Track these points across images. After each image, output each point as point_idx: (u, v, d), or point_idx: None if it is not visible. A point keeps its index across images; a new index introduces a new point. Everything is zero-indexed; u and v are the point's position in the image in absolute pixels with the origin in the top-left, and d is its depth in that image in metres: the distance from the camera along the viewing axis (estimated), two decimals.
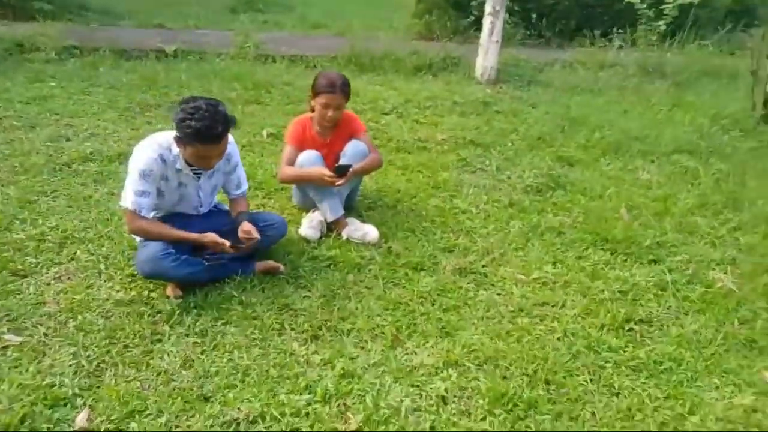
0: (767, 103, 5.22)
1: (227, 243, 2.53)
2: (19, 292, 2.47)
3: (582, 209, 3.60)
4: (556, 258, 3.11)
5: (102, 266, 2.69)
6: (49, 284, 2.55)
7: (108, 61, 5.83)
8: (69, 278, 2.60)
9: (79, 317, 2.35)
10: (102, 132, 4.22)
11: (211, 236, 2.53)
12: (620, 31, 7.59)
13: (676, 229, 3.45)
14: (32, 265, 2.65)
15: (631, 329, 2.57)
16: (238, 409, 1.97)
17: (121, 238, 2.89)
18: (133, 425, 1.89)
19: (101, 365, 2.13)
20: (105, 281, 2.60)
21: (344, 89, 3.08)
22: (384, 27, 8.96)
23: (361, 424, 1.96)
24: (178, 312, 2.42)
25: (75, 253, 2.77)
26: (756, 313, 2.73)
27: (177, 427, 1.91)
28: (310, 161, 3.06)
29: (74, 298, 2.45)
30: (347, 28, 8.46)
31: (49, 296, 2.46)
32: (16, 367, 2.08)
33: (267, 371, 2.17)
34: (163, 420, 1.92)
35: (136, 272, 2.59)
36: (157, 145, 2.49)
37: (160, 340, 2.28)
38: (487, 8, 6.26)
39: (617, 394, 2.21)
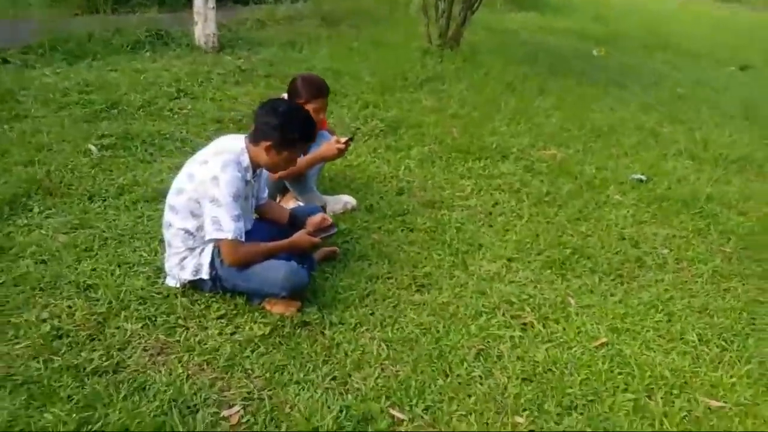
0: (441, 35, 6.98)
1: (316, 238, 2.55)
2: (151, 382, 1.99)
3: (433, 137, 4.54)
4: (458, 174, 4.02)
5: (180, 321, 2.30)
6: (155, 362, 2.10)
7: None
8: (167, 347, 2.18)
9: (246, 368, 2.11)
10: None
11: (303, 236, 2.49)
12: None
13: (490, 134, 4.75)
14: (102, 358, 2.07)
15: (549, 200, 3.76)
16: (470, 347, 2.34)
17: (148, 294, 2.43)
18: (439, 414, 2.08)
19: (334, 386, 2.09)
20: (205, 330, 2.28)
21: (328, 89, 3.16)
22: (24, 5, 7.41)
23: (533, 312, 2.60)
24: (317, 322, 2.39)
25: (119, 327, 2.24)
26: (579, 169, 4.28)
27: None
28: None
29: (213, 357, 2.14)
30: None
31: (186, 369, 2.07)
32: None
33: (444, 317, 2.51)
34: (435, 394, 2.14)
35: (241, 301, 2.37)
36: (233, 163, 2.29)
37: (339, 348, 2.28)
38: None
39: (610, 233, 3.39)
